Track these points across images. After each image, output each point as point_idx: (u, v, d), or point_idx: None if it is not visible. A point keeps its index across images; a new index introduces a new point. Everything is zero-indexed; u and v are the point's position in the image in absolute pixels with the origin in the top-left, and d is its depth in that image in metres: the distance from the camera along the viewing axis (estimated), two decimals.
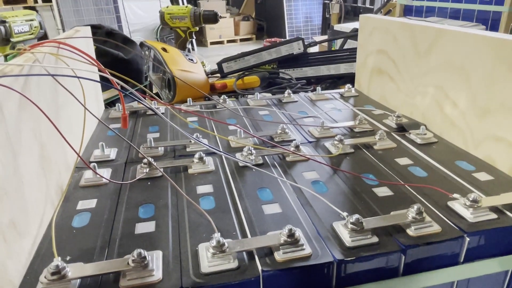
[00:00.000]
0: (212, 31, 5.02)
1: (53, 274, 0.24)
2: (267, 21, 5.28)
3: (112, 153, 0.42)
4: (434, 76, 0.46)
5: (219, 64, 1.00)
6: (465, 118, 0.41)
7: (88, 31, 0.51)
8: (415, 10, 2.02)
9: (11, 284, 0.24)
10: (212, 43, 5.20)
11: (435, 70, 0.46)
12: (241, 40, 5.41)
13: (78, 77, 0.28)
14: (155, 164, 0.38)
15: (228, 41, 5.31)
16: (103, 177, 0.36)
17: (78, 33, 0.48)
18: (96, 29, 0.99)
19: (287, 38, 4.61)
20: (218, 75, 1.02)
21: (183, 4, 4.38)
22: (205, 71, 1.00)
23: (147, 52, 0.98)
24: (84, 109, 0.35)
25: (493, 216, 0.29)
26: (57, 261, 0.24)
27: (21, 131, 0.27)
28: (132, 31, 4.12)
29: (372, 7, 3.42)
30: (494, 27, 1.65)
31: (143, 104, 0.31)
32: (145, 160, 0.38)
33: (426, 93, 0.47)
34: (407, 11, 2.07)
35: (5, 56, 0.85)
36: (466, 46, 0.40)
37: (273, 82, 0.98)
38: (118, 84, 0.35)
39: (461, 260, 0.29)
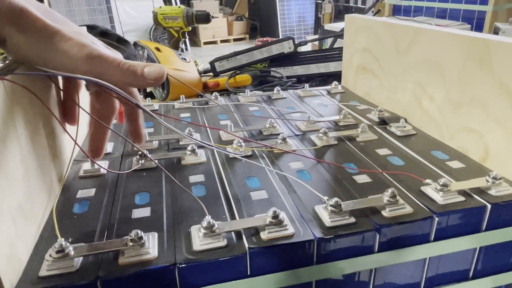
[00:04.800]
0: (205, 31, 5.03)
1: (57, 252, 0.26)
2: (261, 21, 5.30)
3: (109, 146, 0.44)
4: (413, 72, 0.49)
5: (212, 63, 1.02)
6: (441, 112, 0.44)
7: (84, 31, 0.53)
8: (404, 10, 2.07)
9: (19, 262, 0.26)
10: (205, 43, 5.20)
11: (414, 67, 0.48)
12: (235, 40, 5.42)
13: (77, 77, 0.30)
14: (149, 156, 0.40)
15: (222, 41, 5.32)
16: (101, 167, 0.38)
17: None
18: (91, 29, 1.01)
19: (280, 37, 4.64)
20: (211, 74, 1.04)
21: (176, 4, 4.38)
22: (198, 70, 1.02)
23: (140, 52, 1.00)
24: (78, 107, 0.37)
25: (461, 198, 0.32)
26: (61, 241, 0.26)
27: (26, 124, 0.30)
28: (125, 31, 4.12)
29: (364, 6, 3.47)
30: (479, 26, 1.70)
31: (132, 103, 0.33)
32: (140, 153, 0.40)
33: (406, 89, 0.50)
34: (396, 10, 2.12)
35: (1, 54, 0.87)
36: (441, 44, 0.43)
37: (264, 80, 1.01)
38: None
39: (432, 239, 0.31)
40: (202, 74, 1.04)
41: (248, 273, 0.28)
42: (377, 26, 0.56)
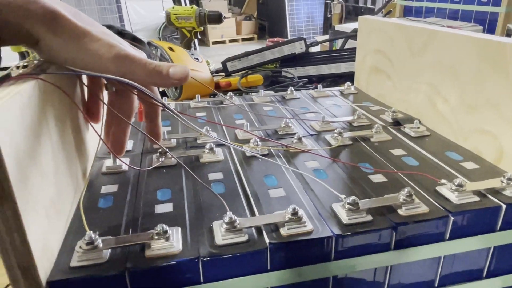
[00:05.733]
0: (214, 31, 5.05)
1: (87, 244, 0.27)
2: (269, 21, 5.30)
3: (128, 144, 0.46)
4: (427, 74, 0.49)
5: (224, 63, 1.03)
6: (455, 114, 0.45)
7: (109, 31, 0.55)
8: (415, 11, 2.06)
9: (52, 253, 0.27)
10: (214, 43, 5.22)
11: (428, 69, 0.49)
12: (243, 39, 5.43)
13: (103, 76, 0.31)
14: (170, 153, 0.41)
15: (230, 41, 5.34)
16: (125, 163, 0.39)
17: None
18: (107, 29, 1.02)
19: (289, 37, 4.65)
20: (223, 73, 1.05)
21: (185, 3, 4.40)
22: (210, 70, 1.03)
23: (154, 52, 1.01)
24: (102, 104, 0.39)
25: (476, 198, 0.33)
26: (90, 233, 0.28)
27: (56, 121, 0.31)
28: (135, 30, 4.16)
29: (374, 7, 3.45)
30: (491, 27, 1.69)
31: (156, 102, 0.35)
32: (160, 150, 0.41)
33: (420, 91, 0.51)
34: (407, 11, 2.11)
35: (20, 53, 0.89)
36: (455, 47, 0.44)
37: (275, 80, 1.02)
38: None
39: (447, 238, 0.32)
40: (214, 74, 1.05)
41: (268, 268, 0.29)
42: (391, 28, 0.56)
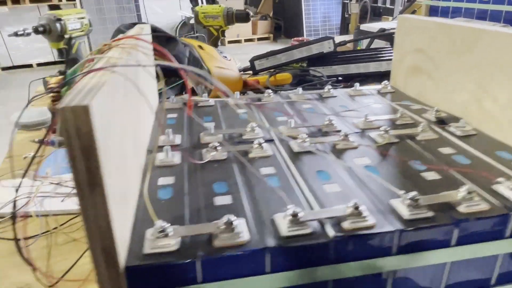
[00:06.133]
0: (230, 30, 5.05)
1: (159, 232, 0.28)
2: (285, 21, 5.29)
3: (177, 139, 0.47)
4: (473, 73, 0.49)
5: (251, 61, 1.04)
6: (505, 113, 0.45)
7: (148, 28, 0.56)
8: (441, 11, 2.02)
9: (126, 241, 0.28)
10: (229, 42, 5.23)
11: (475, 68, 0.49)
12: (259, 39, 5.43)
13: (177, 67, 0.32)
14: (226, 146, 0.42)
15: (246, 40, 5.34)
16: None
17: (143, 30, 0.52)
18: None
19: (305, 37, 4.62)
20: (250, 72, 1.06)
21: (201, 2, 4.43)
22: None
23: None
24: (164, 95, 0.39)
25: None
26: (161, 222, 0.28)
27: (125, 113, 0.32)
28: None
29: (393, 7, 3.41)
30: None
31: (224, 94, 0.36)
32: (211, 145, 0.42)
33: (465, 90, 0.51)
34: (433, 11, 2.08)
35: (58, 50, 0.91)
36: (506, 46, 0.43)
37: (303, 79, 1.02)
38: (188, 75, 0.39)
39: (507, 235, 0.32)
40: (242, 72, 1.06)
41: (332, 260, 0.29)
42: (433, 26, 0.56)
